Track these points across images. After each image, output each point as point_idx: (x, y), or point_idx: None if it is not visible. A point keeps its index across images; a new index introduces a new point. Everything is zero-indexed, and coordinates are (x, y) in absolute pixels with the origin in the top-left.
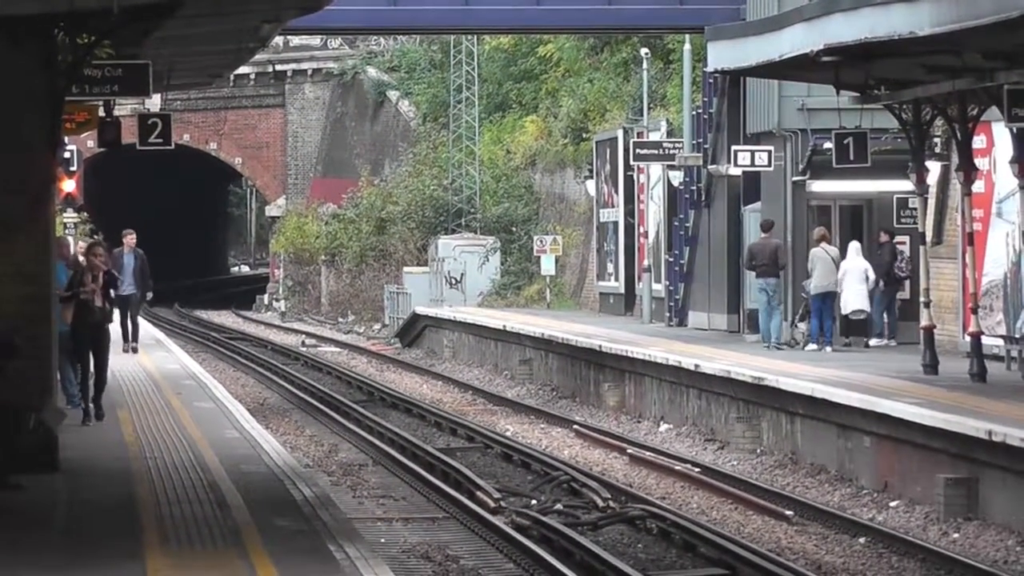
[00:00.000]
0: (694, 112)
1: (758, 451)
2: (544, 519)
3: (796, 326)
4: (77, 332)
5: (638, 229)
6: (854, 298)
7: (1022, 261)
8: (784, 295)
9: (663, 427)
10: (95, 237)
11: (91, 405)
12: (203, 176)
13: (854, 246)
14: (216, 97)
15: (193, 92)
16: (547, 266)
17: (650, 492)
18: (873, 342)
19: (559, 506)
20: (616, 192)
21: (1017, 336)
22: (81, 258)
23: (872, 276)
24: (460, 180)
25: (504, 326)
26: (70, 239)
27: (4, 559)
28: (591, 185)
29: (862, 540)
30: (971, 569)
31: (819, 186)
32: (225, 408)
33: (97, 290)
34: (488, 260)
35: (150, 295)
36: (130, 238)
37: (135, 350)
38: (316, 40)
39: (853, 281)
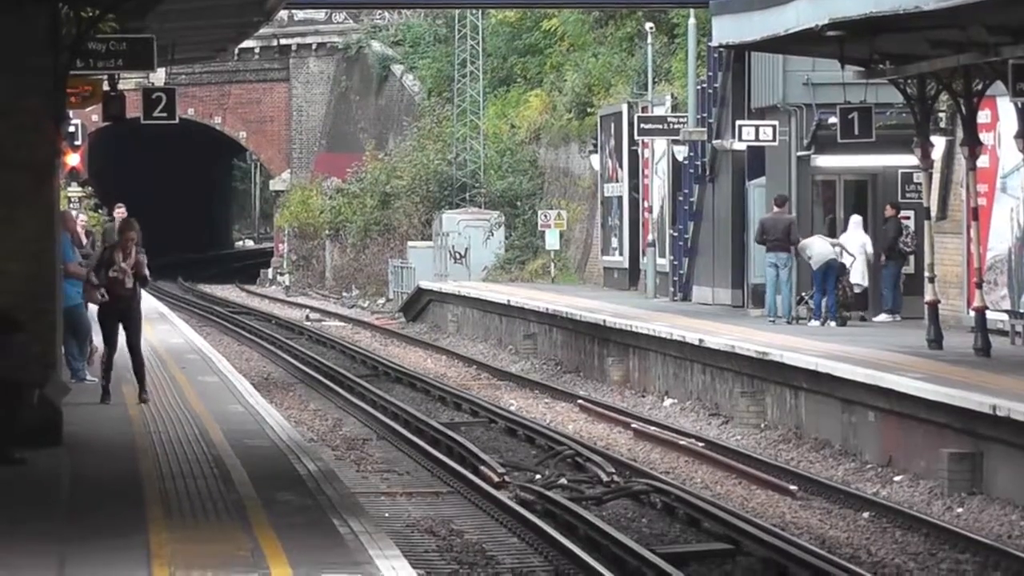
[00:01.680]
0: (698, 87)
1: (762, 426)
2: (548, 494)
3: (806, 301)
4: (105, 312)
5: (642, 204)
6: (853, 271)
7: None
8: (792, 270)
9: (667, 402)
10: (99, 211)
11: (109, 384)
12: (208, 150)
13: (855, 219)
14: (221, 71)
15: (197, 66)
16: (551, 241)
17: (654, 467)
18: (881, 318)
19: (563, 481)
20: (620, 167)
21: (1021, 311)
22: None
23: (871, 250)
24: (464, 154)
25: (508, 301)
26: (75, 213)
27: (8, 533)
28: (595, 160)
29: (866, 515)
30: (975, 543)
31: (824, 161)
32: (229, 382)
33: (128, 270)
34: (492, 235)
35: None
36: (120, 211)
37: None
38: (321, 14)
39: (853, 254)
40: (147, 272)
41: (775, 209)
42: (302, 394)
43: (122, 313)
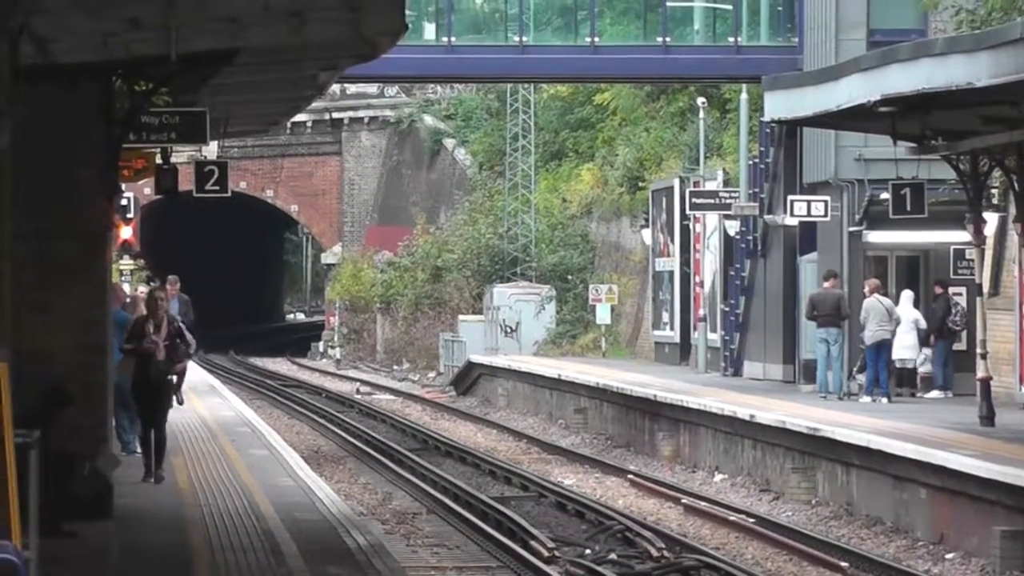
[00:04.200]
0: (750, 161)
1: (813, 502)
2: (598, 569)
3: (854, 377)
4: (136, 386)
5: (694, 278)
6: (902, 347)
7: None
8: (844, 346)
9: (718, 477)
10: (151, 284)
11: (151, 462)
12: (259, 223)
13: (906, 295)
14: (273, 144)
15: (250, 139)
16: (602, 315)
17: (705, 542)
18: (932, 395)
19: (613, 556)
20: (672, 241)
21: None
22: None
23: (923, 326)
24: (516, 228)
25: (559, 375)
26: (126, 286)
27: None
28: (647, 234)
29: None
30: None
31: (876, 236)
32: (279, 455)
33: (159, 343)
34: (543, 309)
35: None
36: (174, 287)
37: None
38: (373, 88)
39: (903, 331)
40: (188, 336)
41: (824, 284)
42: (352, 468)
43: (152, 388)
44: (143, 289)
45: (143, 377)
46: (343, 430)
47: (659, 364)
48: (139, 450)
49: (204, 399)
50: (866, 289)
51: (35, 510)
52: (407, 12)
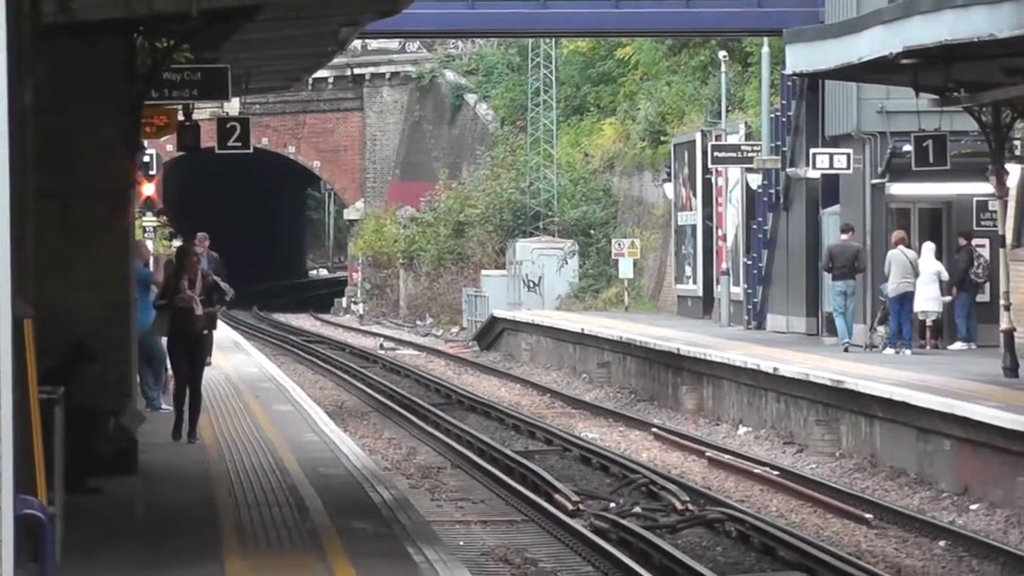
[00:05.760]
0: (772, 115)
1: (837, 454)
2: (623, 522)
3: (875, 329)
4: (172, 343)
5: (716, 232)
6: (924, 299)
7: None
8: (862, 298)
9: (741, 430)
10: (175, 240)
11: (182, 421)
12: (282, 180)
13: (928, 247)
14: (294, 101)
15: (271, 96)
16: (625, 269)
17: (729, 495)
18: (955, 346)
19: (638, 509)
20: (694, 195)
21: None
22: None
23: (945, 278)
24: (538, 183)
25: (582, 329)
26: (148, 243)
27: (83, 562)
28: (669, 188)
29: (942, 543)
30: None
31: (898, 189)
32: (304, 411)
33: (195, 297)
34: (566, 263)
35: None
36: (203, 244)
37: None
38: (394, 43)
39: (924, 282)
40: (225, 286)
41: (842, 237)
42: (376, 423)
43: (190, 344)
44: (177, 244)
45: (179, 334)
46: (367, 385)
47: (682, 318)
48: (164, 406)
49: (228, 355)
50: (893, 238)
51: (60, 466)
52: None
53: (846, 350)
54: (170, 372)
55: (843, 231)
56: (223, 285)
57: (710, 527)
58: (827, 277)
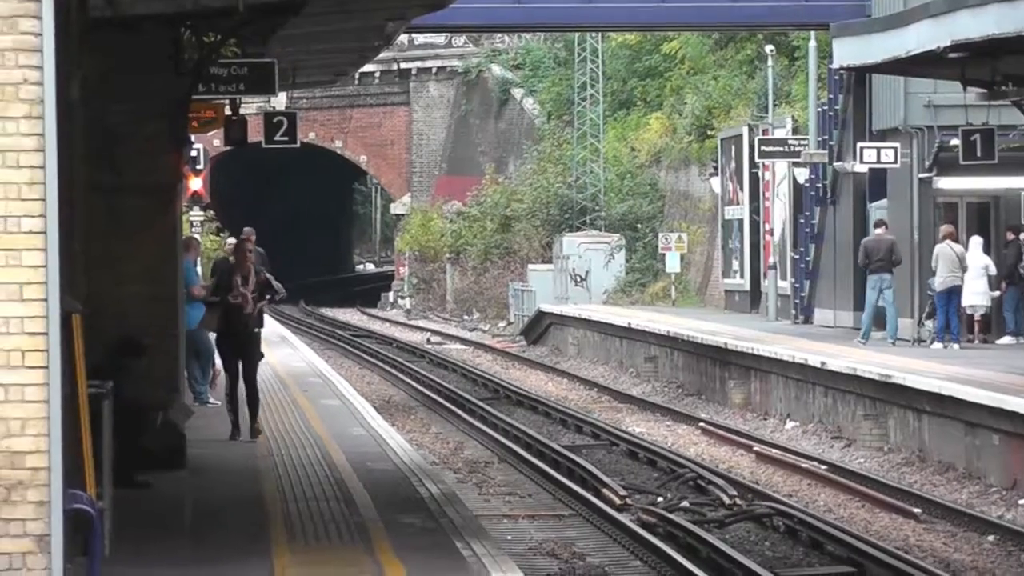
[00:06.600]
0: (819, 109)
1: (885, 448)
2: (670, 516)
3: (923, 324)
4: (223, 340)
5: (763, 226)
6: (973, 293)
7: None
8: (910, 293)
9: (789, 424)
10: (223, 234)
11: (237, 419)
12: (328, 174)
13: (975, 241)
14: (341, 95)
15: (318, 90)
16: (672, 263)
17: (777, 489)
18: (1004, 340)
19: (685, 503)
20: (741, 189)
21: None
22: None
23: (993, 272)
24: (585, 178)
25: (629, 323)
26: (198, 238)
27: (132, 556)
28: (716, 182)
29: (991, 538)
30: None
31: (946, 183)
32: (351, 405)
33: (248, 295)
34: (613, 257)
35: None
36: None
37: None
38: (441, 38)
39: (973, 277)
40: (277, 285)
41: (876, 231)
42: (423, 417)
43: (241, 342)
44: (232, 242)
45: (230, 331)
46: (414, 380)
47: (729, 312)
48: (212, 401)
49: (275, 350)
50: (941, 232)
51: (109, 460)
52: None
53: (863, 344)
54: (218, 366)
55: (876, 225)
56: (275, 284)
57: (758, 521)
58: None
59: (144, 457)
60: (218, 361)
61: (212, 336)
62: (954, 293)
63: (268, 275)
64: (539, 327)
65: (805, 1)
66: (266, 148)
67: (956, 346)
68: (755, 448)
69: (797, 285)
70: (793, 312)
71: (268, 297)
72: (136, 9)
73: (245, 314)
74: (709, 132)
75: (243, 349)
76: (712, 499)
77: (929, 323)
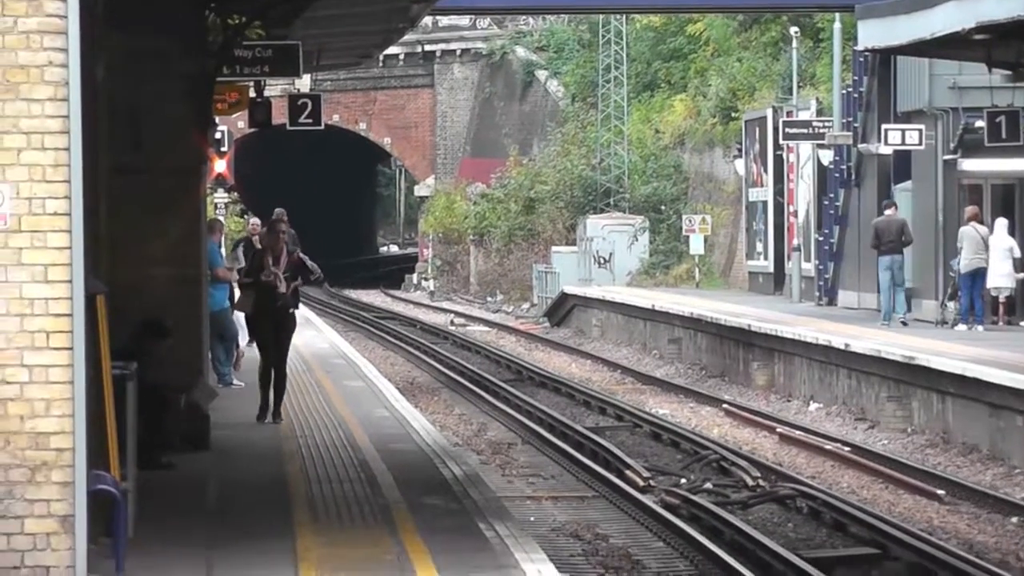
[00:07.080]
0: (844, 91)
1: (909, 430)
2: (694, 498)
3: (946, 305)
4: (256, 321)
5: (787, 208)
6: (997, 275)
7: None
8: (934, 274)
9: (813, 406)
10: (247, 216)
11: (267, 401)
12: (352, 156)
13: (1000, 223)
14: (365, 77)
15: (342, 72)
16: (696, 245)
17: (800, 471)
18: None
19: (709, 485)
20: (765, 171)
21: None
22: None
23: (1018, 254)
24: (609, 160)
25: (653, 305)
26: (222, 219)
27: (156, 537)
28: (740, 164)
29: (1015, 520)
30: None
31: (970, 165)
32: (375, 387)
33: (280, 274)
34: (637, 239)
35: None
36: (254, 225)
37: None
38: (465, 20)
39: (997, 258)
40: (311, 265)
41: (886, 212)
42: (447, 399)
43: (274, 322)
44: (255, 222)
45: (263, 312)
46: (438, 361)
47: (753, 294)
48: (235, 382)
49: (300, 331)
50: (967, 214)
51: (133, 441)
52: None
53: (887, 324)
54: (241, 348)
55: (886, 207)
56: (310, 264)
57: (781, 503)
58: (904, 252)
59: (168, 438)
60: (242, 342)
61: (241, 317)
62: (979, 275)
63: (303, 255)
64: (562, 309)
65: None
66: (290, 130)
67: (980, 328)
68: (778, 430)
69: (821, 267)
70: (817, 294)
71: (303, 278)
72: None
73: (278, 293)
74: (733, 114)
75: (276, 329)
76: (735, 481)
77: (952, 304)
